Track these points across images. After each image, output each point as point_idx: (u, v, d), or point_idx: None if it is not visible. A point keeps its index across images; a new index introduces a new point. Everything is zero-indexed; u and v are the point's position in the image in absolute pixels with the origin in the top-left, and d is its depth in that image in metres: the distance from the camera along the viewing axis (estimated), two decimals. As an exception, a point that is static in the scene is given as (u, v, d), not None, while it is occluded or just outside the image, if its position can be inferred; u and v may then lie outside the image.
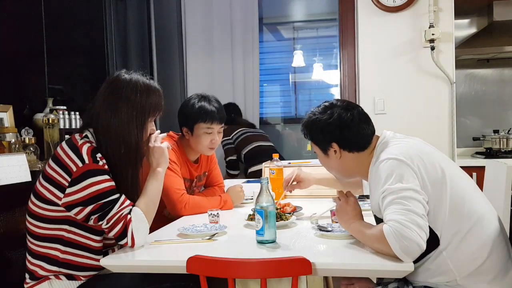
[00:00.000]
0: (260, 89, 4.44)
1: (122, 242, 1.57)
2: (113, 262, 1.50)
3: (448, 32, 3.32)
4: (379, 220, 1.53)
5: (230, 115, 3.59)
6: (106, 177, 1.56)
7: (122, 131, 1.63)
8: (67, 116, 2.89)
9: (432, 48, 3.29)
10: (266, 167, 2.59)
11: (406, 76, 3.42)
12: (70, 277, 1.61)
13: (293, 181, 2.16)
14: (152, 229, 1.70)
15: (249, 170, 3.85)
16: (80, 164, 1.53)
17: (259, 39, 4.42)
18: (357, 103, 1.87)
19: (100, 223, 1.55)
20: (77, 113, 2.97)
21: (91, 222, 1.57)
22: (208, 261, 1.34)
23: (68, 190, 1.53)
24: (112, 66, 3.74)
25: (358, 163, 1.64)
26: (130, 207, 1.59)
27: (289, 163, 2.74)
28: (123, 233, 1.55)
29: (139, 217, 1.59)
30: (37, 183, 1.61)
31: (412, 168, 1.44)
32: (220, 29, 4.35)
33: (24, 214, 1.65)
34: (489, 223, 1.48)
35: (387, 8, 3.41)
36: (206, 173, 2.44)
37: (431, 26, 3.26)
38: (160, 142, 1.76)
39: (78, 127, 2.88)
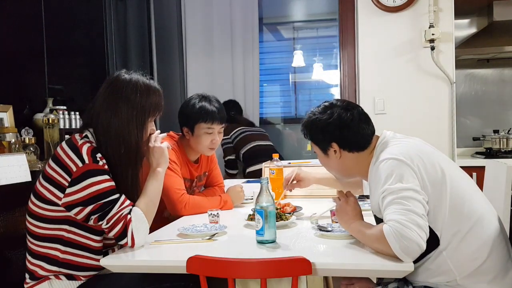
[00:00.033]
0: (260, 89, 4.45)
1: (122, 242, 1.57)
2: (113, 262, 1.50)
3: (448, 32, 3.32)
4: (379, 220, 1.53)
5: (230, 113, 3.57)
6: (106, 177, 1.56)
7: (122, 131, 1.63)
8: (67, 116, 2.89)
9: (432, 48, 3.29)
10: (266, 167, 2.59)
11: (406, 76, 3.42)
12: (70, 277, 1.61)
13: (293, 180, 2.17)
14: (152, 229, 1.71)
15: (248, 170, 3.85)
16: (80, 164, 1.53)
17: (259, 39, 4.42)
18: (357, 103, 1.87)
19: (100, 223, 1.55)
20: (77, 113, 2.96)
21: (91, 222, 1.57)
22: (208, 261, 1.34)
23: (68, 190, 1.53)
24: (112, 66, 3.73)
25: (358, 163, 1.64)
26: (130, 207, 1.59)
27: (289, 163, 2.74)
28: (123, 233, 1.55)
29: (139, 217, 1.59)
30: (37, 183, 1.61)
31: (412, 168, 1.44)
32: (220, 29, 4.35)
33: (24, 214, 1.65)
34: (489, 223, 1.48)
35: (387, 8, 3.40)
36: (206, 173, 2.44)
37: (431, 26, 3.26)
38: (160, 142, 1.76)
39: (78, 127, 2.87)
